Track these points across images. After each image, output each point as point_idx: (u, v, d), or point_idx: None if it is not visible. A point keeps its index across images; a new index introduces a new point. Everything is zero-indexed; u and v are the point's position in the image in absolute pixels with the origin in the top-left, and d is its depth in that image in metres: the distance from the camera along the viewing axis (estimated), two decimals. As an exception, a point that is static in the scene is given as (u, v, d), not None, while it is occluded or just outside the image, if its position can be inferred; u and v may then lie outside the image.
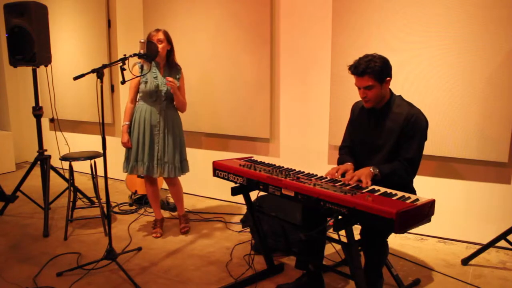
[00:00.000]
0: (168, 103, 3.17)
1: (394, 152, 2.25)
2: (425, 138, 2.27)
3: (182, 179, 3.39)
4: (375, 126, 2.32)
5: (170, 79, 3.06)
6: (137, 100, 3.19)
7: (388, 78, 2.22)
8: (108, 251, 2.66)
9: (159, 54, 3.05)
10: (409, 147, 2.20)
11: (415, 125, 2.20)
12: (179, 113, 3.31)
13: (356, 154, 2.46)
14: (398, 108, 2.26)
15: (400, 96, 2.33)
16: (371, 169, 2.15)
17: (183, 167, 3.30)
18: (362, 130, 2.40)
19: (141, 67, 3.10)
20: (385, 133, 2.26)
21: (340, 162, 2.47)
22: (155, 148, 3.16)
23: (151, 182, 3.34)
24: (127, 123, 3.17)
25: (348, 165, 2.33)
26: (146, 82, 3.10)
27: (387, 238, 2.21)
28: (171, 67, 3.19)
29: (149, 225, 3.55)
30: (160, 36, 3.06)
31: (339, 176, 2.24)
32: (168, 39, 3.12)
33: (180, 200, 3.45)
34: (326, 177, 2.22)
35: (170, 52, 3.17)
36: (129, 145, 3.17)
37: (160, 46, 3.04)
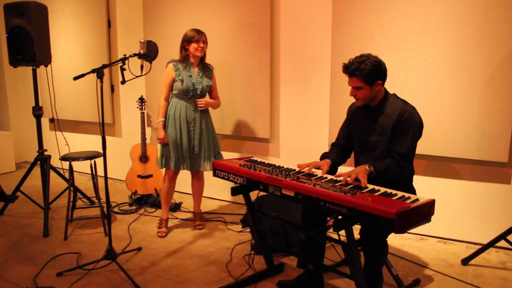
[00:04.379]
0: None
1: (390, 149, 2.26)
2: (419, 135, 2.28)
3: (182, 179, 3.39)
4: (370, 124, 2.34)
5: (199, 101, 3.23)
6: (171, 97, 3.30)
7: (378, 81, 2.23)
8: (108, 251, 2.66)
9: (199, 56, 3.22)
10: (402, 142, 2.21)
11: (407, 121, 2.21)
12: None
13: (355, 152, 2.49)
14: (392, 106, 2.28)
15: (394, 94, 2.35)
16: (366, 166, 2.16)
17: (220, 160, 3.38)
18: (358, 129, 2.42)
19: (141, 67, 3.09)
20: (379, 130, 2.29)
21: (322, 156, 2.51)
22: (191, 143, 3.26)
23: (171, 179, 3.38)
24: (162, 119, 3.28)
25: (323, 162, 2.37)
26: (182, 81, 3.20)
27: (386, 237, 2.22)
28: (204, 67, 3.31)
29: (149, 225, 3.55)
30: (205, 37, 3.21)
31: (310, 170, 2.29)
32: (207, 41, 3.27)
33: (200, 195, 3.54)
34: (326, 177, 2.22)
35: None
36: (165, 140, 3.26)
37: (205, 46, 3.22)
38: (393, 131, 2.24)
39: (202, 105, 3.25)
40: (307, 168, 2.30)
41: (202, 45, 3.19)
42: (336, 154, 2.50)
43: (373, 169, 2.16)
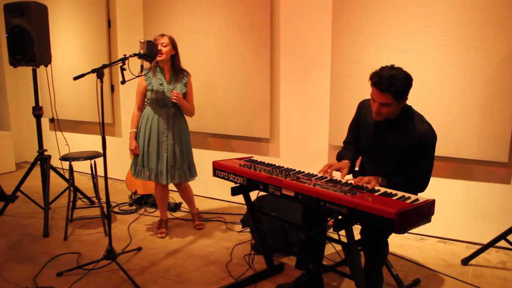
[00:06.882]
0: (175, 110, 3.18)
1: (400, 164, 2.19)
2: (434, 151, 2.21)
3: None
4: (382, 134, 2.23)
5: (174, 93, 3.06)
6: (144, 105, 3.22)
7: (406, 97, 2.11)
8: (108, 251, 2.66)
9: (163, 59, 3.06)
10: (421, 166, 2.14)
11: (426, 143, 2.11)
12: (187, 117, 3.31)
13: (360, 154, 2.45)
14: (408, 121, 2.15)
15: (410, 107, 2.21)
16: (380, 179, 2.13)
17: (192, 172, 3.33)
18: (368, 135, 2.31)
19: (141, 67, 3.09)
20: (392, 145, 2.18)
21: (338, 156, 2.45)
22: (164, 155, 3.16)
23: (161, 189, 3.33)
24: (134, 130, 3.20)
25: (343, 163, 2.31)
26: (152, 90, 3.10)
27: (387, 237, 2.21)
28: (176, 72, 3.17)
29: (149, 225, 3.55)
30: (165, 40, 3.07)
31: (332, 173, 2.22)
32: (173, 44, 3.12)
33: (191, 201, 3.51)
34: (326, 177, 2.22)
35: (175, 57, 3.15)
36: (137, 151, 3.19)
37: (164, 49, 3.05)
38: (409, 148, 2.13)
39: (175, 98, 3.04)
40: (329, 170, 2.22)
41: (160, 48, 3.03)
42: (352, 153, 2.41)
43: (386, 184, 2.12)
